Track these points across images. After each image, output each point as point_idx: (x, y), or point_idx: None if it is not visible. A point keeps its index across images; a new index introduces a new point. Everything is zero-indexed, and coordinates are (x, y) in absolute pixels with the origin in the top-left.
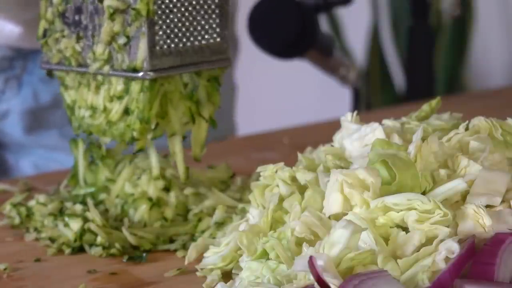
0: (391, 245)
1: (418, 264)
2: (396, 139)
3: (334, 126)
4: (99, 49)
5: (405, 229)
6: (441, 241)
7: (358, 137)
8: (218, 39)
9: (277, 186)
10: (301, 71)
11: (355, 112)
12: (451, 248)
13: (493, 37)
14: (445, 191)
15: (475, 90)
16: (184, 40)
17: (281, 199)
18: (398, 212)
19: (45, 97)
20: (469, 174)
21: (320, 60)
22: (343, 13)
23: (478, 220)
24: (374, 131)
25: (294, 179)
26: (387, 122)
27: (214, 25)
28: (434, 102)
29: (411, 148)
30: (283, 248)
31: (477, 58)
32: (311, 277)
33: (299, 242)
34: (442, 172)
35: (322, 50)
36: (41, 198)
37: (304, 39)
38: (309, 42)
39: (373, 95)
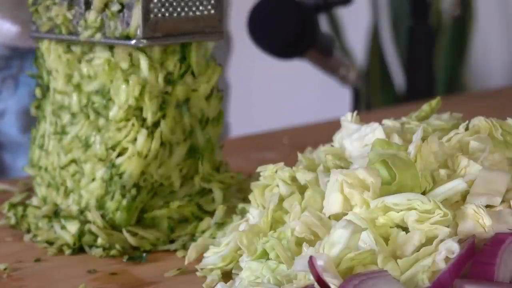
0: (391, 245)
1: (418, 264)
2: (396, 139)
3: (334, 126)
4: (91, 16)
5: (405, 229)
6: (441, 241)
7: (358, 137)
8: (212, 11)
9: (277, 186)
10: (301, 71)
11: (355, 112)
12: (451, 248)
13: (493, 37)
14: (445, 191)
15: (475, 90)
16: (179, 9)
17: (281, 199)
18: (398, 212)
19: None
20: (469, 174)
21: (320, 60)
22: (343, 13)
23: (478, 220)
24: (374, 131)
25: (294, 179)
26: (387, 122)
27: None
28: (434, 102)
29: (411, 148)
30: (283, 248)
31: (477, 58)
32: (311, 277)
33: (299, 242)
34: (442, 172)
35: (322, 50)
36: (35, 200)
37: (304, 39)
38: (309, 42)
39: (373, 95)
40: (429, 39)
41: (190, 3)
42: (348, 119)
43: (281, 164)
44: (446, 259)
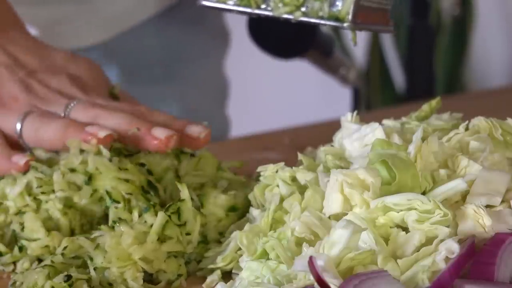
0: (391, 245)
1: (418, 264)
2: (396, 139)
3: (334, 126)
4: None
5: (405, 229)
6: (441, 241)
7: (358, 137)
8: (390, 6)
9: (277, 186)
10: (301, 71)
11: (355, 112)
12: (451, 248)
13: (493, 37)
14: (445, 191)
15: (475, 90)
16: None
17: (281, 199)
18: (398, 212)
19: None
20: (469, 174)
21: (320, 60)
22: None
23: (478, 220)
24: (374, 131)
25: (294, 179)
26: (387, 122)
27: None
28: (434, 102)
29: (411, 148)
30: (283, 248)
31: (477, 58)
32: (311, 277)
33: (299, 242)
34: (442, 172)
35: (322, 50)
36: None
37: (304, 39)
38: (308, 42)
39: (373, 95)
40: (429, 39)
41: None
42: (348, 119)
43: (282, 164)
44: (446, 259)
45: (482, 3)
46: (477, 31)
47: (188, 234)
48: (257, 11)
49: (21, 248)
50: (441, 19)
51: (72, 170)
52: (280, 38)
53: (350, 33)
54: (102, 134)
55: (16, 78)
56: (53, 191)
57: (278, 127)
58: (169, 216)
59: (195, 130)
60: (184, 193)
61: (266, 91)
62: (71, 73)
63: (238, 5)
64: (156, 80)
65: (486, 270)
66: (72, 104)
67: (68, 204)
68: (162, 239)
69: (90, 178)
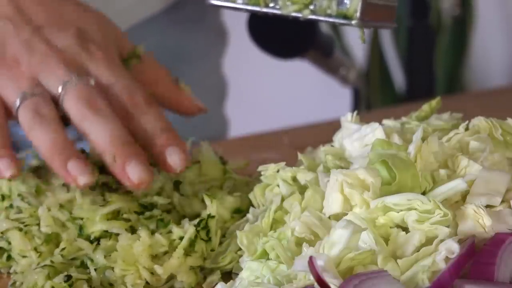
0: (391, 245)
1: (418, 264)
2: (396, 139)
3: (334, 126)
4: None
5: (405, 229)
6: (441, 241)
7: (358, 137)
8: (396, 3)
9: (277, 186)
10: (301, 71)
11: (355, 112)
12: (451, 248)
13: (493, 37)
14: (445, 191)
15: (475, 90)
16: None
17: (282, 199)
18: (398, 212)
19: None
20: (469, 174)
21: (320, 60)
22: None
23: (478, 220)
24: (374, 131)
25: (295, 179)
26: (387, 122)
27: None
28: (434, 102)
29: (411, 148)
30: (283, 248)
31: (477, 58)
32: (311, 277)
33: (299, 242)
34: (442, 172)
35: (322, 50)
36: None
37: (304, 39)
38: (308, 42)
39: (373, 95)
40: (429, 39)
41: None
42: (348, 119)
43: (283, 164)
44: (446, 259)
45: (482, 3)
46: (477, 31)
47: (212, 250)
48: (265, 10)
49: (9, 257)
50: (441, 19)
51: (60, 206)
52: (280, 38)
53: (358, 30)
54: (81, 181)
55: (21, 36)
56: (38, 224)
57: (278, 127)
58: (197, 231)
59: (174, 161)
60: (213, 209)
61: (266, 91)
62: (79, 28)
63: (247, 4)
64: None
65: (486, 270)
66: (70, 82)
67: (54, 237)
68: (187, 252)
69: (81, 228)
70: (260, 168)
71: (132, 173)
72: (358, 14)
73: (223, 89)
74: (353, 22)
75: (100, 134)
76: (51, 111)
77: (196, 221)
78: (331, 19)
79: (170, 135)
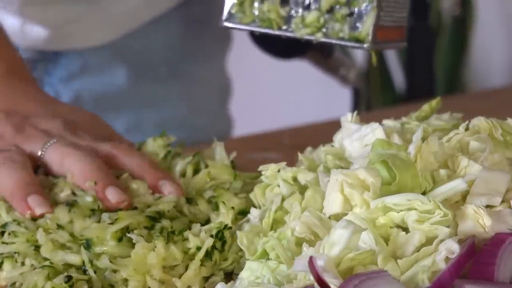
0: (391, 245)
1: (418, 264)
2: (396, 139)
3: (334, 126)
4: (312, 16)
5: (405, 229)
6: (441, 241)
7: (358, 137)
8: (405, 23)
9: (278, 186)
10: (301, 71)
11: (355, 112)
12: (451, 248)
13: (493, 37)
14: (445, 191)
15: (475, 90)
16: (393, 19)
17: (282, 199)
18: (398, 212)
19: (66, 97)
20: (469, 174)
21: (320, 60)
22: None
23: (478, 220)
24: (374, 131)
25: (295, 179)
26: (387, 122)
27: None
28: (434, 102)
29: (411, 148)
30: (283, 248)
31: (477, 58)
32: (311, 277)
33: (299, 242)
34: (442, 172)
35: (322, 50)
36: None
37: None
38: (308, 42)
39: (373, 95)
40: (429, 39)
41: (401, 15)
42: (348, 119)
43: (283, 163)
44: (446, 259)
45: (482, 3)
46: (477, 31)
47: (225, 260)
48: (278, 32)
49: (1, 264)
50: (441, 19)
51: (59, 226)
52: (281, 38)
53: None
54: (38, 211)
55: (11, 120)
56: (36, 246)
57: (278, 127)
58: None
59: (170, 192)
60: (229, 218)
61: (266, 91)
62: (68, 119)
63: (260, 27)
64: (162, 79)
65: (486, 270)
66: (50, 142)
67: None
68: (202, 262)
69: (88, 245)
70: (260, 167)
71: (110, 195)
72: (370, 37)
73: (228, 89)
74: (365, 45)
75: (80, 164)
76: (23, 157)
77: (213, 232)
78: (343, 42)
79: (157, 171)
